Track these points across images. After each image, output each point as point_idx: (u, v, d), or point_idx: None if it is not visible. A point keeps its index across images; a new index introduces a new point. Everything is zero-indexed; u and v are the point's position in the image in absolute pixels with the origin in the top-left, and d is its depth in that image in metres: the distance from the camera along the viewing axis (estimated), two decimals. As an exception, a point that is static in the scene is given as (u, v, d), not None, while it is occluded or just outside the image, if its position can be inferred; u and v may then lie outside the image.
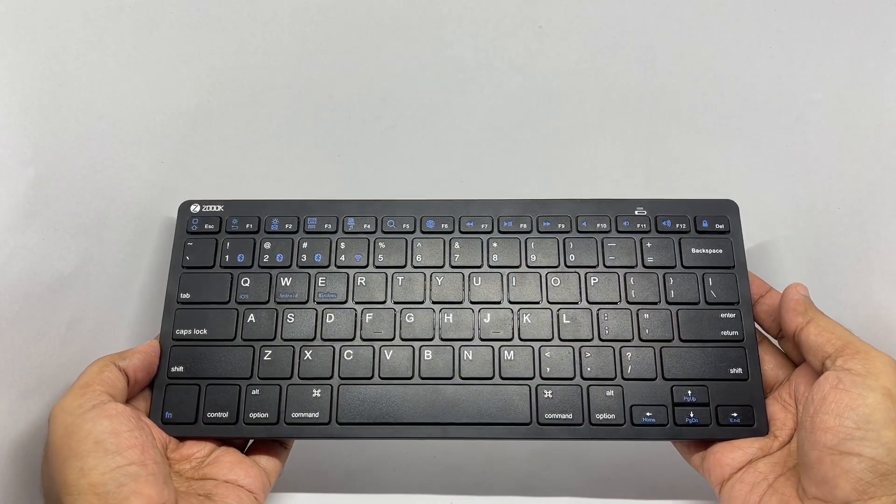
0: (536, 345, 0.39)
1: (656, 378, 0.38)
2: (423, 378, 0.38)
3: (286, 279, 0.41)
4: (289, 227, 0.42)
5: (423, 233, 0.41)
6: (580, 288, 0.40)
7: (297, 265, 0.41)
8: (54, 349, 0.38)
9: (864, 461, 0.31)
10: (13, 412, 0.36)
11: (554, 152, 0.49)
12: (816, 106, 0.45)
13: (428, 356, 0.38)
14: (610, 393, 0.37)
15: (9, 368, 0.35)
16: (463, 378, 0.38)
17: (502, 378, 0.38)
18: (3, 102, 0.35)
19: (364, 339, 0.39)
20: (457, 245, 0.41)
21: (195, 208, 0.42)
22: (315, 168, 0.49)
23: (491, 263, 0.41)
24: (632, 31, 0.46)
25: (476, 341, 0.39)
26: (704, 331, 0.39)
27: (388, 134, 0.49)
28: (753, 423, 0.37)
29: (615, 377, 0.38)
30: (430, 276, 0.40)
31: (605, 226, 0.41)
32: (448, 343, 0.39)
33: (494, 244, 0.41)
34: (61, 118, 0.38)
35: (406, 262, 0.41)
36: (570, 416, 0.37)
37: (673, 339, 0.39)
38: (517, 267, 0.40)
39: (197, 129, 0.47)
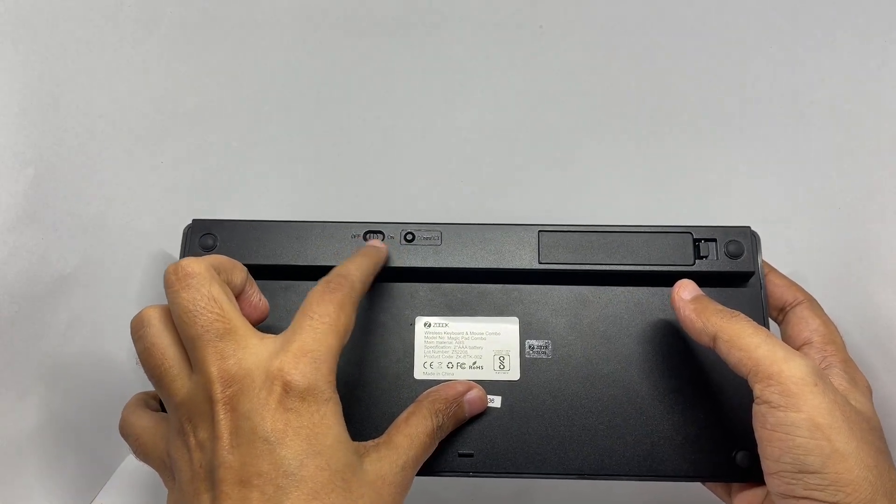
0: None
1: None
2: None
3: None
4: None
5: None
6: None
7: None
8: (53, 350, 0.38)
9: None
10: (12, 412, 0.36)
11: (553, 152, 0.49)
12: (816, 106, 0.45)
13: None
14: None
15: (8, 369, 0.35)
16: None
17: None
18: (3, 102, 0.35)
19: None
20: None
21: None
22: (315, 166, 0.49)
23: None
24: (632, 31, 0.45)
25: None
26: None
27: (387, 133, 0.49)
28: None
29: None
30: None
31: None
32: None
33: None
34: (61, 118, 0.38)
35: None
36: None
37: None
38: None
39: (197, 129, 0.47)
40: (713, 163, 0.48)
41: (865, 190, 0.43)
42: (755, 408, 0.30)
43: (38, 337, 0.37)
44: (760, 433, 0.30)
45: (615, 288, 0.38)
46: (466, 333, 0.37)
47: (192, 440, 0.29)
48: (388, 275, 0.37)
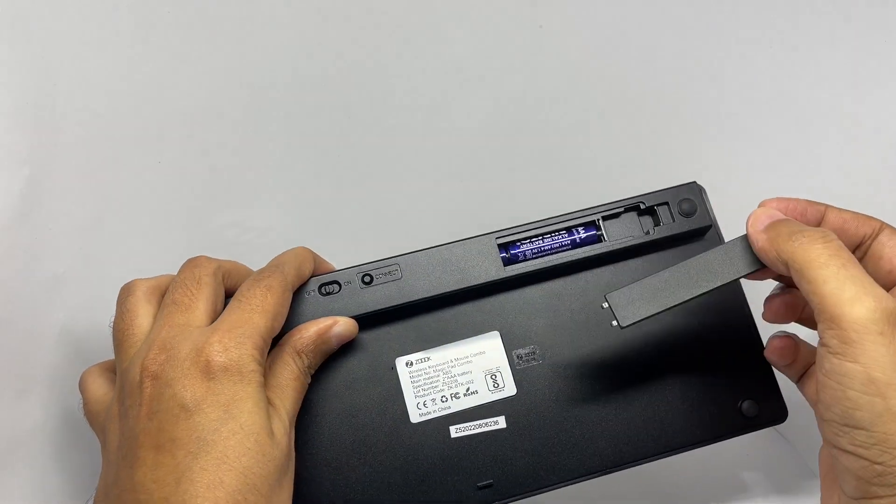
0: None
1: None
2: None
3: None
4: None
5: None
6: None
7: None
8: (48, 349, 0.38)
9: (858, 460, 0.27)
10: (8, 413, 0.35)
11: (553, 152, 0.49)
12: (816, 106, 0.45)
13: None
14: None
15: (2, 369, 0.35)
16: None
17: None
18: (-1, 101, 0.35)
19: None
20: None
21: None
22: (314, 166, 0.49)
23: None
24: (632, 31, 0.46)
25: None
26: None
27: (387, 134, 0.49)
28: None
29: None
30: None
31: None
32: None
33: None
34: (57, 117, 0.38)
35: None
36: None
37: None
38: None
39: (195, 129, 0.47)
40: (713, 163, 0.48)
41: (866, 190, 0.43)
42: (818, 348, 0.28)
43: (32, 337, 0.37)
44: (818, 376, 0.28)
45: (583, 274, 0.37)
46: (451, 361, 0.36)
47: (120, 408, 0.30)
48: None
